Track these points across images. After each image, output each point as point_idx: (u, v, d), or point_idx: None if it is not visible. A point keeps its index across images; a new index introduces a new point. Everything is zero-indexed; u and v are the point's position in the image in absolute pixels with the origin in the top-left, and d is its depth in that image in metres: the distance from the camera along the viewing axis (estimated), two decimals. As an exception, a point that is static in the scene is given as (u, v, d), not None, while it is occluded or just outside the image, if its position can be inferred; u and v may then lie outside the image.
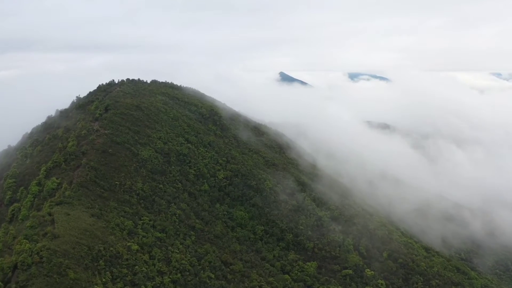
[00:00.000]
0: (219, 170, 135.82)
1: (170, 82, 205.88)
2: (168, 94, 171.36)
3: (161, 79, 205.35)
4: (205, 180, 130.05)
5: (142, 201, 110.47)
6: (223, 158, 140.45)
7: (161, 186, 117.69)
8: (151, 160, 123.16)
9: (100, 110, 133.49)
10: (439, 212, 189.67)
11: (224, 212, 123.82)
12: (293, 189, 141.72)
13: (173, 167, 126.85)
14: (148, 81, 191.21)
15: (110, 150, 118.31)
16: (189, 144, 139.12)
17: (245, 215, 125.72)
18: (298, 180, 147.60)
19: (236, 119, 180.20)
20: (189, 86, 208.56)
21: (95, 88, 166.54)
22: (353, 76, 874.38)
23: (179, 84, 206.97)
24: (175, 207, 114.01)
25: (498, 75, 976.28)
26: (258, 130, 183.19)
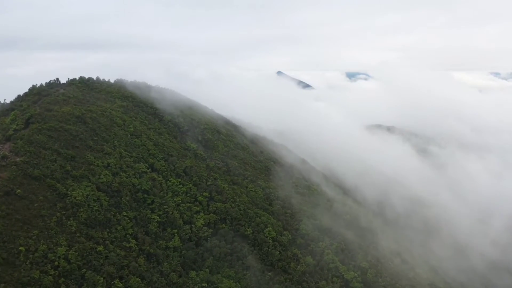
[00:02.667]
0: (198, 212, 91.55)
1: (143, 81, 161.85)
2: (133, 98, 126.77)
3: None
4: (175, 231, 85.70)
5: (63, 279, 66.04)
6: (204, 193, 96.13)
7: (100, 248, 73.13)
8: (88, 205, 78.56)
9: (18, 124, 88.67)
10: (478, 247, 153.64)
11: (203, 284, 79.46)
12: (307, 238, 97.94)
13: (124, 213, 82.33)
14: (112, 80, 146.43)
15: (18, 191, 73.59)
16: (154, 174, 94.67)
17: (235, 286, 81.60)
18: (313, 221, 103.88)
19: (226, 131, 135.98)
20: (167, 87, 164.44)
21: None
22: (351, 76, 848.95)
23: (154, 85, 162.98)
24: (121, 285, 69.70)
25: (497, 74, 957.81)
26: (255, 146, 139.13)
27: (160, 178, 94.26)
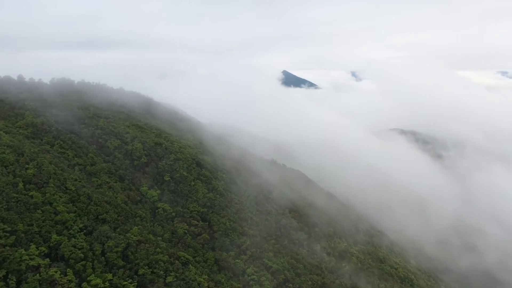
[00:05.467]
0: None
1: (100, 83, 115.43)
2: (64, 108, 79.23)
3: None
4: None
5: None
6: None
7: None
8: None
9: None
10: None
11: None
12: None
13: None
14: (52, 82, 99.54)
15: None
16: (54, 269, 46.32)
17: None
18: None
19: (212, 161, 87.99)
20: (136, 92, 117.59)
21: None
22: (356, 75, 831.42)
23: (118, 87, 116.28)
24: None
25: (504, 73, 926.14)
26: (258, 180, 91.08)
27: (67, 279, 46.32)
